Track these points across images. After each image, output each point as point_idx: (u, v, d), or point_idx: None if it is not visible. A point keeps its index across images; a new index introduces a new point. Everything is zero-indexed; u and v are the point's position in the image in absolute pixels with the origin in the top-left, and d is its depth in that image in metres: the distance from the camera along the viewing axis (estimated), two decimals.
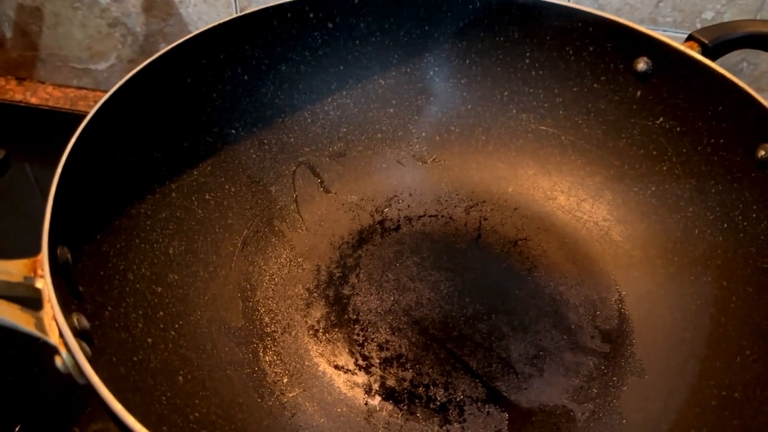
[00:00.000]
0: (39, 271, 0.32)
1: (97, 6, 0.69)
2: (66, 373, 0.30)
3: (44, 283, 0.31)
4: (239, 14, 0.48)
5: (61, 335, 0.30)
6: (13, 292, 0.31)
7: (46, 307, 0.31)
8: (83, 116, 0.73)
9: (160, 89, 0.45)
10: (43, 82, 0.77)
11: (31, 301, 0.32)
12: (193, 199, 0.47)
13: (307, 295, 0.47)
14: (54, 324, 0.30)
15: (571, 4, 0.50)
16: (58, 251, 0.34)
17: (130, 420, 0.27)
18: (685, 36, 0.47)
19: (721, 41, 0.46)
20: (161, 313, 0.41)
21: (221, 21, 0.48)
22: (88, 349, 0.31)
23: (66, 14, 0.71)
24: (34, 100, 0.75)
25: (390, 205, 0.53)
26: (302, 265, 0.49)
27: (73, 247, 0.35)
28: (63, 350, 0.30)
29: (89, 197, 0.39)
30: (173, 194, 0.46)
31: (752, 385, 0.36)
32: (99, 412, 0.47)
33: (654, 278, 0.47)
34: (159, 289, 0.42)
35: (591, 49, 0.50)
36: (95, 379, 0.27)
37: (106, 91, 0.77)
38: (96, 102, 0.75)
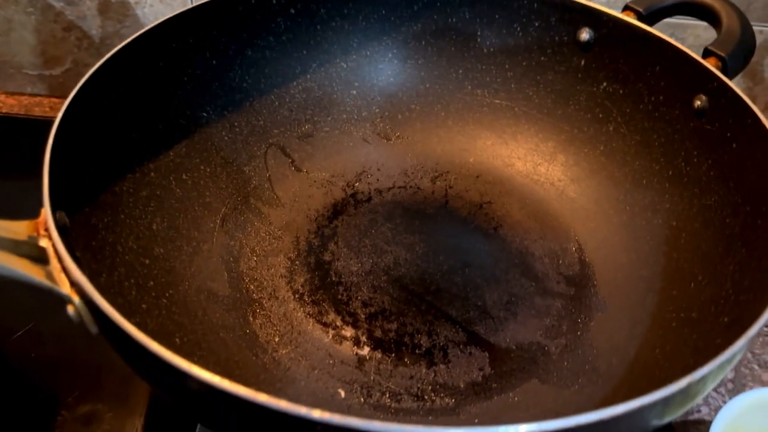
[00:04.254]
0: (42, 231, 0.33)
1: (51, 10, 0.70)
2: (78, 322, 0.32)
3: (47, 242, 0.33)
4: (207, 0, 0.50)
5: (72, 284, 0.31)
6: (19, 250, 0.32)
7: (53, 262, 0.32)
8: (39, 122, 0.73)
9: (134, 72, 0.47)
10: None
11: (35, 260, 0.33)
12: (171, 178, 0.49)
13: (289, 263, 0.49)
14: (63, 276, 0.32)
15: None
16: (57, 215, 0.35)
17: (148, 342, 0.28)
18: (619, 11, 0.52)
19: (655, 9, 0.50)
20: (151, 282, 0.42)
21: (190, 7, 0.50)
22: None
23: (19, 19, 0.71)
24: None
25: (360, 179, 0.56)
26: (281, 238, 0.51)
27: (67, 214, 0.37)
28: (76, 298, 0.31)
29: (76, 169, 0.40)
30: (152, 174, 0.47)
31: (707, 304, 0.40)
32: (86, 395, 0.47)
33: (609, 227, 0.50)
34: (147, 261, 0.43)
35: (537, 24, 0.55)
36: (113, 312, 0.29)
37: (62, 97, 0.77)
38: (52, 108, 0.76)
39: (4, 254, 0.30)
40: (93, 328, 0.32)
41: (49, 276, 0.31)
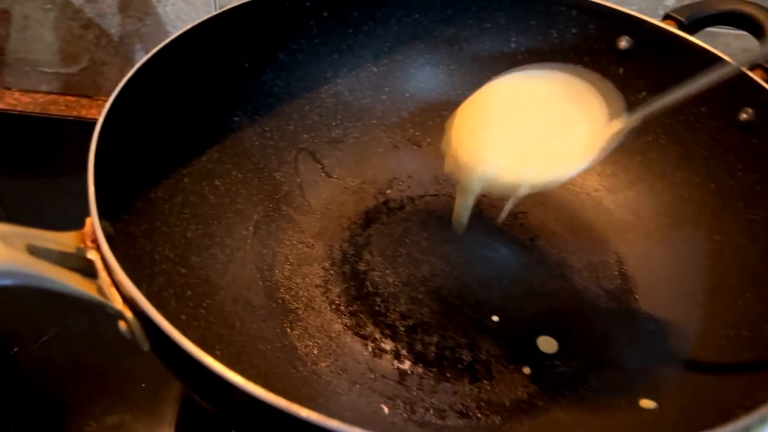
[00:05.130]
0: (89, 243, 0.32)
1: (70, 7, 0.68)
2: (130, 338, 0.31)
3: (95, 254, 0.32)
4: (241, 2, 0.49)
5: (125, 300, 0.30)
6: (67, 262, 0.31)
7: (102, 275, 0.31)
8: (55, 120, 0.72)
9: (168, 76, 0.46)
10: (10, 88, 0.75)
11: (84, 273, 0.32)
12: (204, 184, 0.48)
13: (323, 272, 0.48)
14: (114, 290, 0.30)
15: None
16: (102, 224, 0.34)
17: (212, 363, 0.27)
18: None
19: (697, 18, 0.50)
20: (189, 292, 0.41)
21: (225, 9, 0.49)
22: None
23: (36, 16, 0.69)
24: (1, 106, 0.73)
25: (391, 186, 0.55)
26: (314, 246, 0.50)
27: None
28: (128, 314, 0.30)
29: (115, 177, 0.39)
30: (185, 179, 0.46)
31: (759, 322, 0.39)
32: (114, 404, 0.46)
33: (649, 239, 0.50)
34: (184, 270, 0.42)
35: (574, 31, 0.54)
36: (175, 332, 0.28)
37: (77, 95, 0.76)
38: (68, 107, 0.75)
39: (55, 268, 0.29)
40: (145, 345, 0.31)
41: (100, 290, 0.30)
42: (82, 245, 0.32)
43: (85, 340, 0.50)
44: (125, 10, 0.68)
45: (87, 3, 0.68)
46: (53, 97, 0.75)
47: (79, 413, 0.46)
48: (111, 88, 0.41)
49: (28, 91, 0.76)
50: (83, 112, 0.73)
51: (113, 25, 0.69)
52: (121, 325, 0.30)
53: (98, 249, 0.31)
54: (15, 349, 0.49)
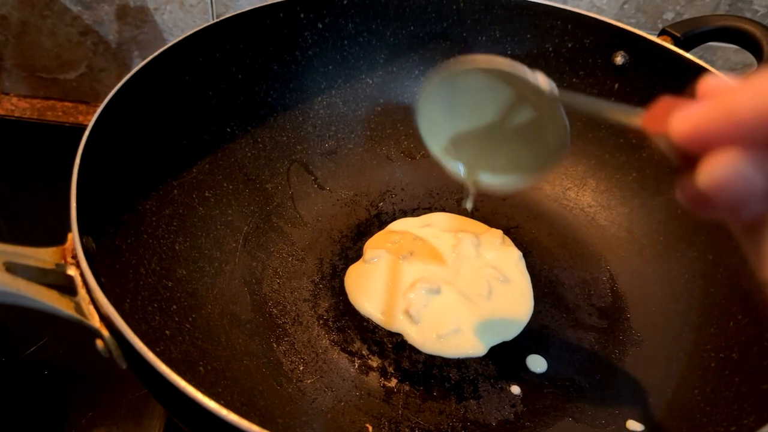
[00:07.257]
0: (69, 259, 0.32)
1: (68, 14, 0.68)
2: (107, 357, 0.30)
3: (75, 271, 0.31)
4: (234, 13, 0.49)
5: (102, 318, 0.30)
6: (46, 279, 0.31)
7: (81, 292, 0.31)
8: (52, 126, 0.72)
9: (160, 86, 0.45)
10: (8, 94, 0.75)
11: (62, 290, 0.31)
12: (194, 196, 0.47)
13: (312, 287, 0.47)
14: (92, 308, 0.30)
15: (551, 3, 0.52)
16: (84, 240, 0.33)
17: (188, 388, 0.27)
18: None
19: (693, 34, 0.49)
20: (174, 306, 0.41)
21: (218, 20, 0.48)
22: None
23: (34, 23, 0.69)
24: None
25: (384, 199, 0.54)
26: (305, 259, 0.49)
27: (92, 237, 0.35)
28: (105, 333, 0.30)
29: (101, 190, 0.39)
30: (175, 191, 0.46)
31: (748, 345, 0.39)
32: (100, 417, 0.46)
33: (642, 257, 0.49)
34: (170, 284, 0.42)
35: (570, 45, 0.53)
36: (150, 355, 0.27)
37: (75, 101, 0.76)
38: (65, 112, 0.74)
39: (32, 285, 0.29)
40: (122, 364, 0.31)
41: (78, 308, 0.30)
42: (63, 261, 0.32)
43: (74, 349, 0.49)
44: (122, 17, 0.68)
45: (85, 10, 0.68)
46: (51, 102, 0.75)
47: (64, 424, 0.45)
48: (108, 94, 0.41)
49: (25, 97, 0.76)
50: (80, 118, 0.73)
51: (110, 32, 0.69)
52: (98, 343, 0.30)
53: (78, 265, 0.31)
54: (2, 359, 0.48)
